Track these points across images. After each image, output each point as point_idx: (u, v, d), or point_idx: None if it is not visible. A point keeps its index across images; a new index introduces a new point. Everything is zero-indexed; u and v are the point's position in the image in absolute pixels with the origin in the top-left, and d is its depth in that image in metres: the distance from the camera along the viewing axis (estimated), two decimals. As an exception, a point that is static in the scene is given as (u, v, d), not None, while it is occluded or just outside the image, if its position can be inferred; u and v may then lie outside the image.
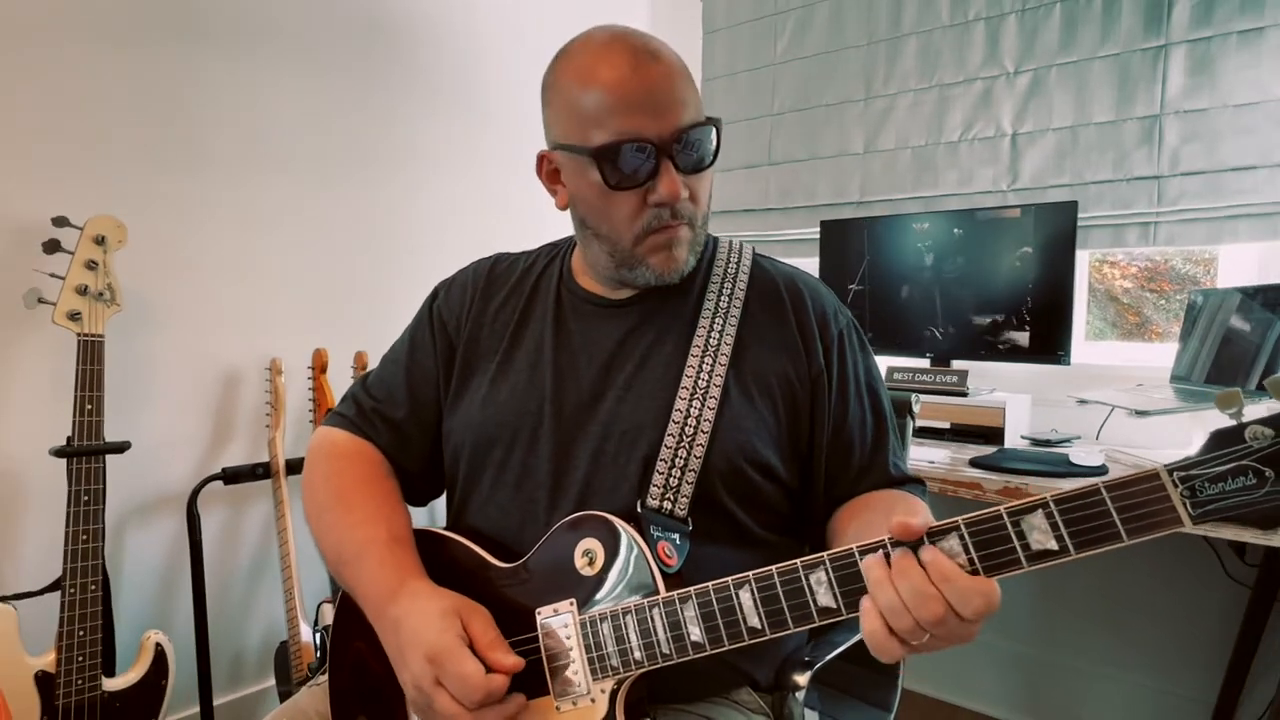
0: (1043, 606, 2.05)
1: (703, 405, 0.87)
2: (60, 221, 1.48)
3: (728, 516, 0.89)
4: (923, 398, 1.83)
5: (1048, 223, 1.82)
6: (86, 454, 1.44)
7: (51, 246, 1.47)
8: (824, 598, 0.68)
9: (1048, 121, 1.99)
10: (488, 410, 0.93)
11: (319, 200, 1.97)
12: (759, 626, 0.70)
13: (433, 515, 1.55)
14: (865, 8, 2.30)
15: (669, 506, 0.84)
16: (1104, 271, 2.22)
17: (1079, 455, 1.50)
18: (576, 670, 0.77)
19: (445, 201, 2.23)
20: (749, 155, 2.56)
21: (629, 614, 0.75)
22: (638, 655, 0.75)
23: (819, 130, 2.40)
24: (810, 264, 1.97)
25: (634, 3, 2.69)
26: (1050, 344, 1.83)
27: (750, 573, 0.71)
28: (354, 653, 0.90)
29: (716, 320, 0.92)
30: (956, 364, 1.97)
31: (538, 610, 0.79)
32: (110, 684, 1.46)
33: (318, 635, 1.74)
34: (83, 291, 1.47)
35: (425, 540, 0.90)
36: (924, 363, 2.03)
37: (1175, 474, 0.57)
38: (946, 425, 1.87)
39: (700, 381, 0.88)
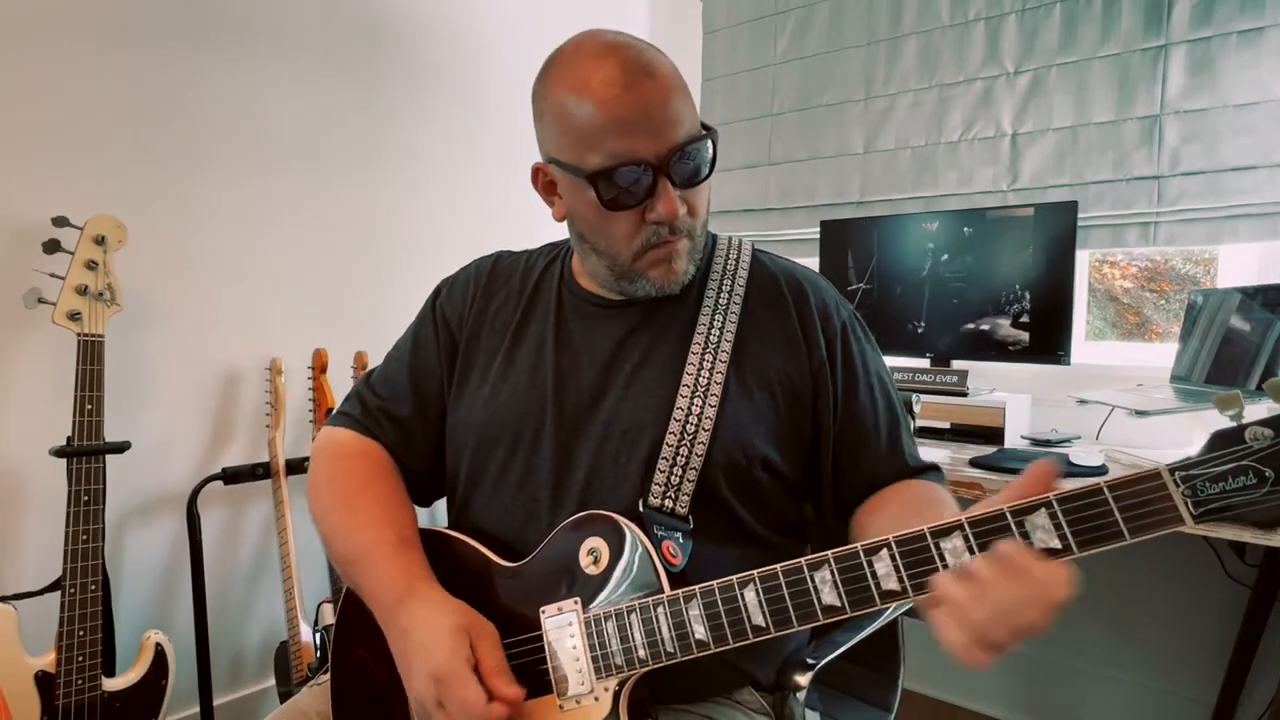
0: (1043, 606, 2.05)
1: (704, 403, 0.87)
2: (60, 221, 1.48)
3: (729, 514, 0.89)
4: (923, 398, 1.83)
5: (1048, 223, 1.82)
6: (86, 454, 1.44)
7: (51, 246, 1.47)
8: (828, 596, 0.68)
9: (1048, 121, 1.99)
10: (490, 410, 0.94)
11: (319, 200, 1.97)
12: (763, 624, 0.70)
13: (433, 515, 1.55)
14: (865, 8, 2.30)
15: (670, 505, 0.84)
16: (1104, 271, 2.22)
17: (1079, 455, 1.50)
18: (580, 669, 0.77)
19: (445, 201, 2.23)
20: (749, 155, 2.55)
21: (633, 612, 0.75)
22: (642, 654, 0.75)
23: (819, 130, 2.40)
24: (810, 264, 1.96)
25: (634, 3, 2.69)
26: (1050, 344, 1.83)
27: (755, 571, 0.71)
28: (357, 653, 0.90)
29: (716, 317, 0.92)
30: (956, 364, 1.97)
31: (542, 609, 0.80)
32: (110, 684, 1.46)
33: (318, 635, 1.74)
34: (83, 291, 1.47)
35: (430, 539, 0.90)
36: (924, 362, 2.03)
37: (1177, 474, 0.57)
38: (946, 425, 1.87)
39: (701, 379, 0.88)
